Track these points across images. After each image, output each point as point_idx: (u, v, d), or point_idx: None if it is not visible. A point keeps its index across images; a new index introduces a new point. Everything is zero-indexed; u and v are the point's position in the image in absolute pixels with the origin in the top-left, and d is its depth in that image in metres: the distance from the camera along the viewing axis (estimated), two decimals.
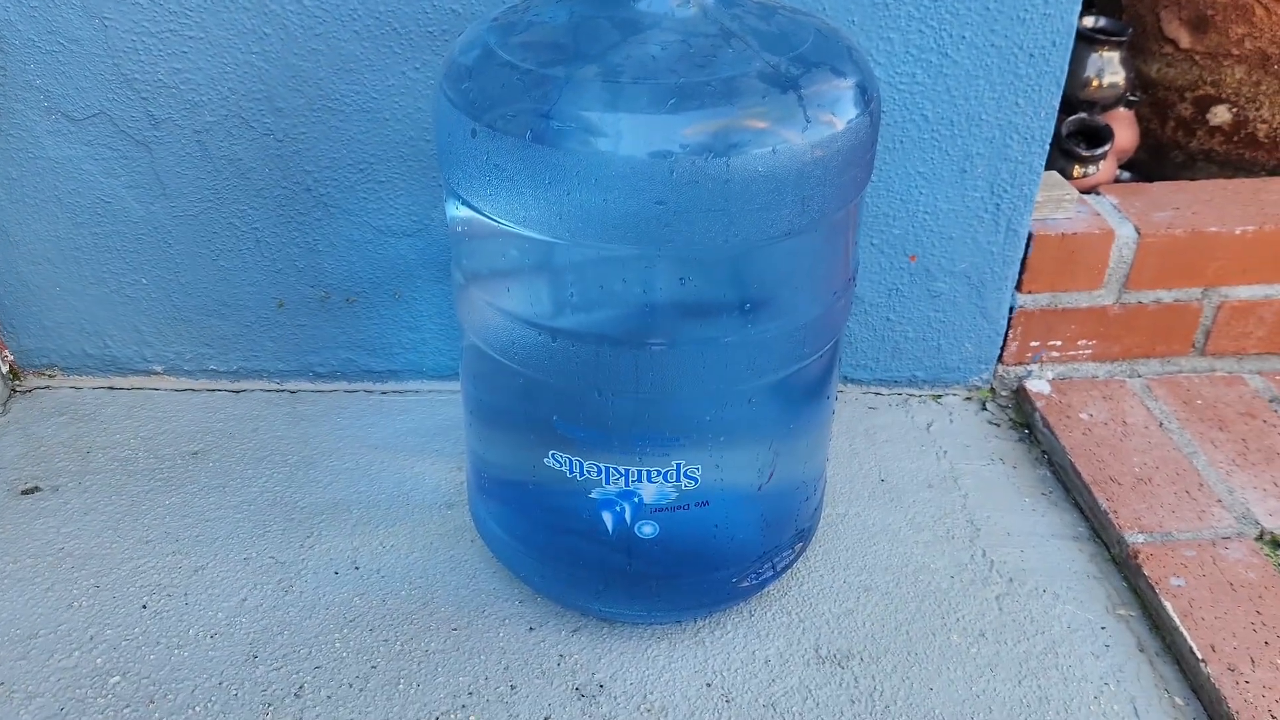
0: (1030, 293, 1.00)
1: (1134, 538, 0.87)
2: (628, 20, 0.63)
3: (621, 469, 0.71)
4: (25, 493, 0.90)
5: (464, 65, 0.65)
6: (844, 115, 0.63)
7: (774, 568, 0.81)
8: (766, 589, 0.83)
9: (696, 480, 0.72)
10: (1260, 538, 0.87)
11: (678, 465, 0.71)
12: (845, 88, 0.64)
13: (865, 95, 0.65)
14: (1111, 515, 0.89)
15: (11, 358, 1.02)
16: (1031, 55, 0.87)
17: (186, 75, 0.87)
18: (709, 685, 0.76)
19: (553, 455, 0.72)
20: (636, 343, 0.67)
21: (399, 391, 1.04)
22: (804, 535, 0.83)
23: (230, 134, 0.90)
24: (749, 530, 0.78)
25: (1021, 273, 0.98)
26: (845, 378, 1.03)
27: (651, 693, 0.75)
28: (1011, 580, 0.86)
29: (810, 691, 0.76)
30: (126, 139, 0.90)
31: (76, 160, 0.90)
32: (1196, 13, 1.07)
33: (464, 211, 0.68)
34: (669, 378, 0.68)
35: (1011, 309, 1.01)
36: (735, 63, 0.62)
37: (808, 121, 0.61)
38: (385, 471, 0.94)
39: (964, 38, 0.86)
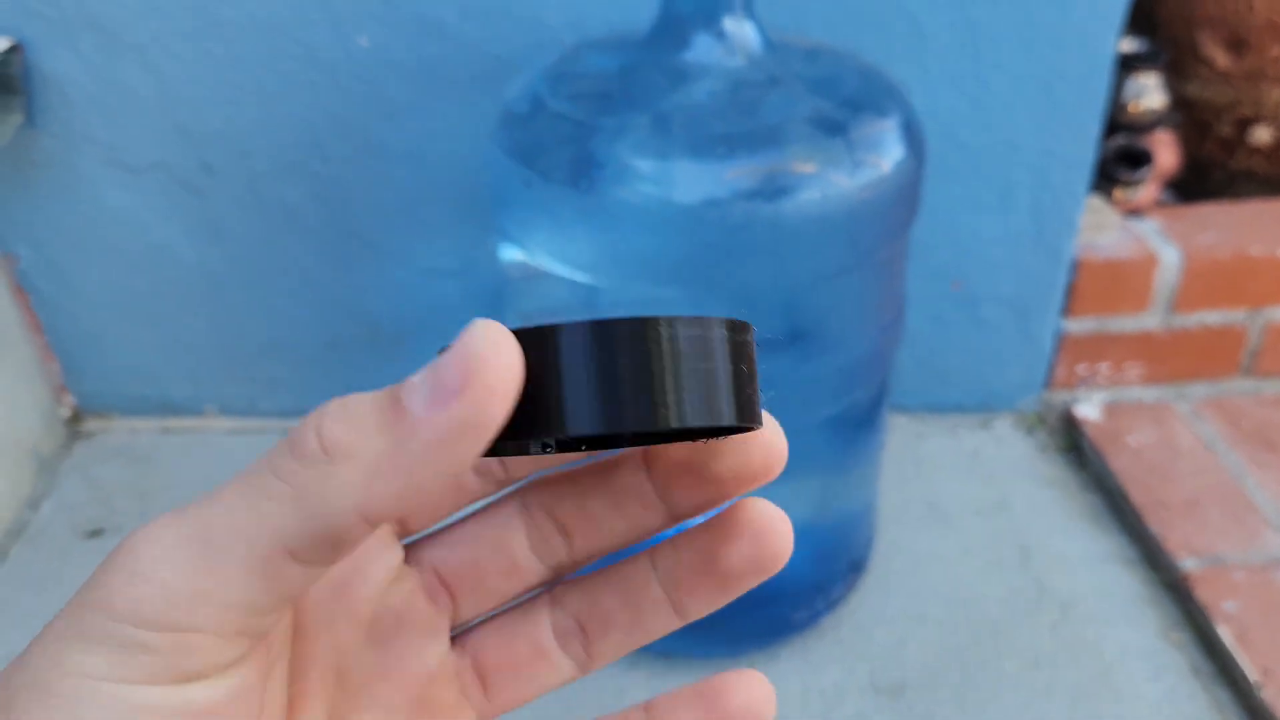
0: (1077, 317, 1.00)
1: (1185, 562, 0.86)
2: (676, 69, 0.65)
3: None
4: (90, 535, 0.92)
5: (517, 115, 0.66)
6: (890, 156, 0.64)
7: (827, 600, 0.81)
8: (820, 621, 0.83)
9: None
10: None
11: None
12: (890, 129, 0.65)
13: (910, 134, 0.66)
14: (1162, 539, 0.89)
15: (74, 402, 1.04)
16: (1071, 83, 0.87)
17: (239, 124, 0.89)
18: None
19: None
20: None
21: None
22: (856, 566, 0.84)
23: (280, 179, 0.92)
24: (802, 564, 0.79)
25: (1067, 298, 0.99)
26: (893, 406, 1.04)
27: None
28: (1064, 606, 0.86)
29: None
30: (182, 187, 0.92)
31: (134, 209, 0.93)
32: (1233, 34, 1.07)
33: (517, 255, 0.69)
34: None
35: (1058, 334, 1.01)
36: (782, 108, 0.63)
37: (855, 164, 0.62)
38: None
39: (1003, 67, 0.86)
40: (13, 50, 0.84)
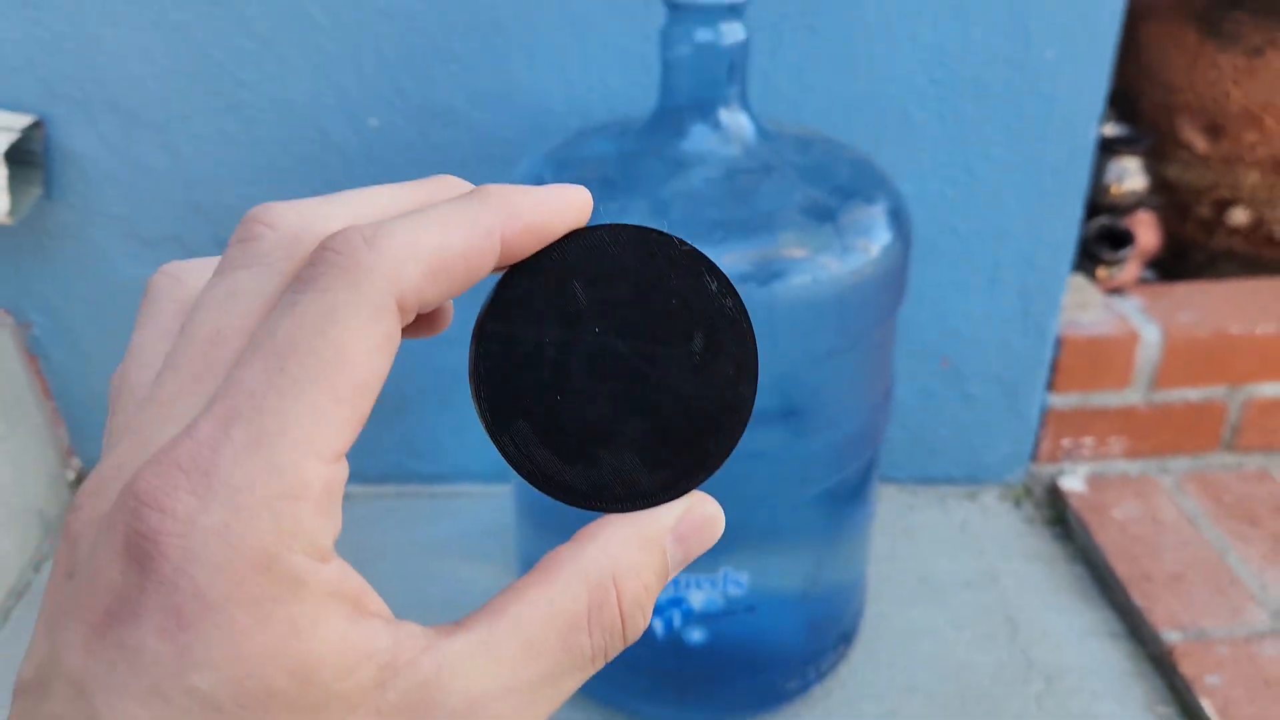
0: (1061, 392, 1.03)
1: (1169, 635, 0.88)
2: (674, 157, 0.68)
3: None
4: None
5: None
6: (878, 241, 0.67)
7: (818, 670, 0.83)
8: (810, 691, 0.84)
9: (743, 587, 0.74)
10: None
11: (725, 573, 0.74)
12: (879, 215, 0.68)
13: (898, 221, 0.70)
14: (1147, 613, 0.90)
15: (80, 465, 1.06)
16: (1055, 170, 0.91)
17: (254, 199, 0.92)
18: None
19: None
20: None
21: (448, 494, 1.08)
22: (847, 637, 0.86)
23: None
24: (794, 635, 0.81)
25: (1052, 374, 1.02)
26: (883, 477, 1.06)
27: None
28: (1051, 678, 0.87)
29: None
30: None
31: (147, 280, 0.95)
32: (1210, 120, 1.12)
33: None
34: (717, 489, 0.71)
35: (1043, 409, 1.03)
36: (776, 195, 0.66)
37: (845, 249, 0.65)
38: (435, 575, 0.97)
39: (989, 155, 0.90)
40: (34, 126, 0.88)
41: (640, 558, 0.22)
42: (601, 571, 0.22)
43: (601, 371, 0.22)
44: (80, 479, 1.07)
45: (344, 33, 0.86)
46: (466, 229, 0.21)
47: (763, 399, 0.74)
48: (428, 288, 0.20)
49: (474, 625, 0.21)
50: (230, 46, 0.86)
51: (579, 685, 0.22)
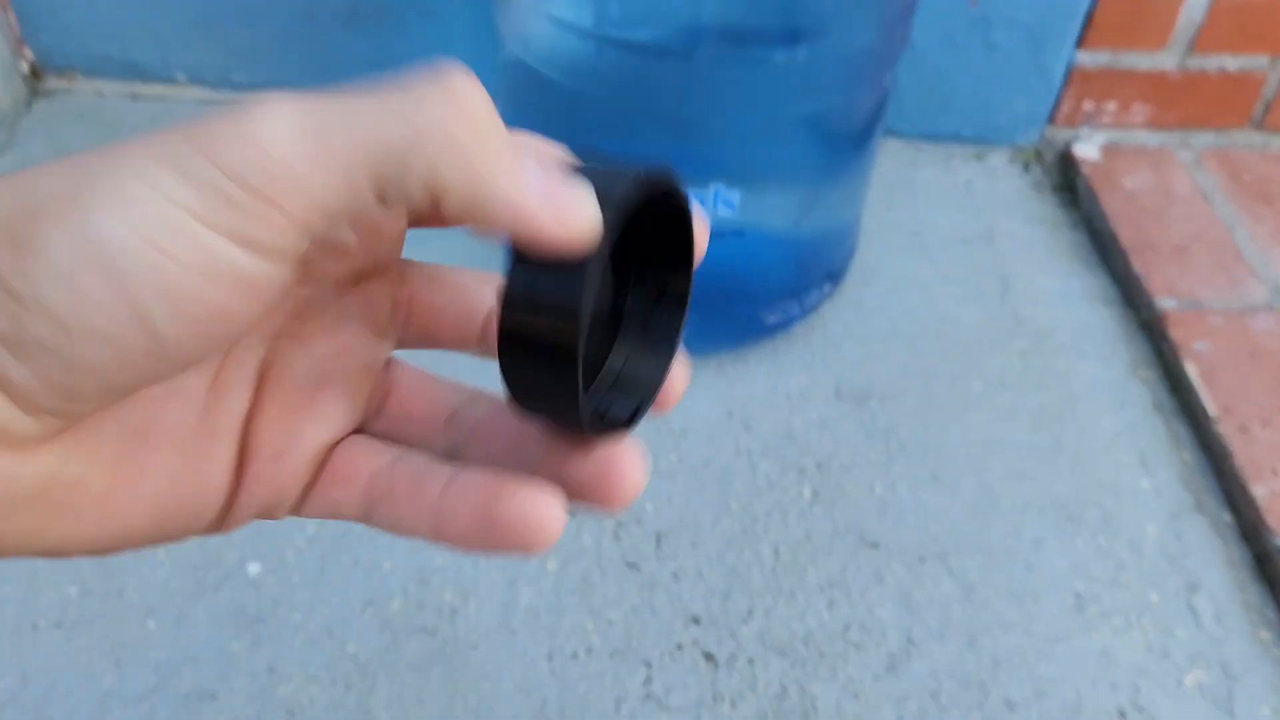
0: (1090, 49, 0.95)
1: (1164, 302, 0.86)
2: None
3: None
4: None
5: None
6: None
7: (801, 306, 0.80)
8: (792, 328, 0.83)
9: (734, 208, 0.70)
10: None
11: (716, 190, 0.69)
12: None
13: None
14: (1144, 279, 0.88)
15: (33, 57, 0.99)
16: None
17: None
18: (730, 414, 0.78)
19: None
20: (682, 54, 0.64)
21: None
22: (834, 277, 0.83)
23: None
24: (780, 267, 0.78)
25: (1084, 26, 0.94)
26: (890, 131, 1.00)
27: (672, 417, 0.77)
28: (1037, 336, 0.86)
29: (828, 425, 0.77)
30: None
31: None
32: None
33: None
34: (713, 94, 0.66)
35: (1069, 66, 0.96)
36: None
37: None
38: None
39: None
40: None
41: None
42: None
43: None
44: (34, 71, 1.00)
45: None
46: None
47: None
48: None
49: None
50: None
51: None
